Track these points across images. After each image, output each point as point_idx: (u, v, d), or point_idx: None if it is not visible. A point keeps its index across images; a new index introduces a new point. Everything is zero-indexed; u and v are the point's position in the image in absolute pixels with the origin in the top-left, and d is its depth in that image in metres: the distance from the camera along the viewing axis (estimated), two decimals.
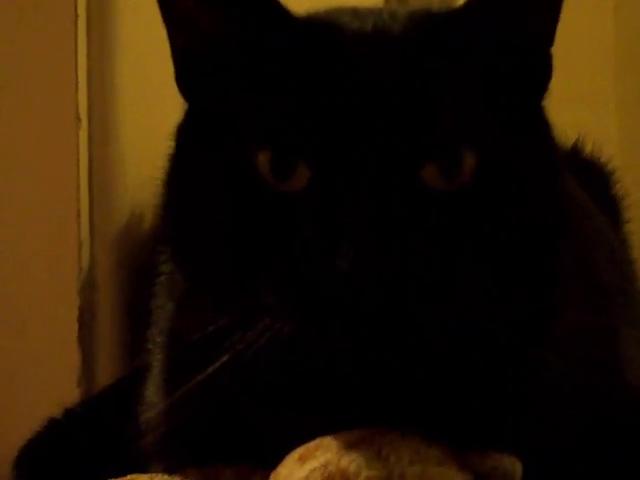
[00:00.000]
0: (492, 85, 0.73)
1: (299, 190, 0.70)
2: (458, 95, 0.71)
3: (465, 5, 0.74)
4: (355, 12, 0.76)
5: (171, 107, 0.82)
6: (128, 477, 0.85)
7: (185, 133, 0.78)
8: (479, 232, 0.70)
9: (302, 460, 0.70)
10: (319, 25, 0.74)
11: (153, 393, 0.85)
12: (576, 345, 0.77)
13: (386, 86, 0.70)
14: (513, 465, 0.72)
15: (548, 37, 0.76)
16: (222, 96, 0.75)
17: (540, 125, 0.77)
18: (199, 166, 0.75)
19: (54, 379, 1.14)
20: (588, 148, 1.31)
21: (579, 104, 1.57)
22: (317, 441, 0.72)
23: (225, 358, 0.71)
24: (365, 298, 0.66)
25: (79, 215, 1.18)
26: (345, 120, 0.69)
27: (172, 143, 0.79)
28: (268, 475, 0.73)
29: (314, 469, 0.68)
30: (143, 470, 0.85)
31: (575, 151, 1.29)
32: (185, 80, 0.78)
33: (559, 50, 0.77)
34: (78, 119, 1.15)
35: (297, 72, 0.71)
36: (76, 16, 1.13)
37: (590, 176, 1.23)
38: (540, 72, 0.76)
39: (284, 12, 0.74)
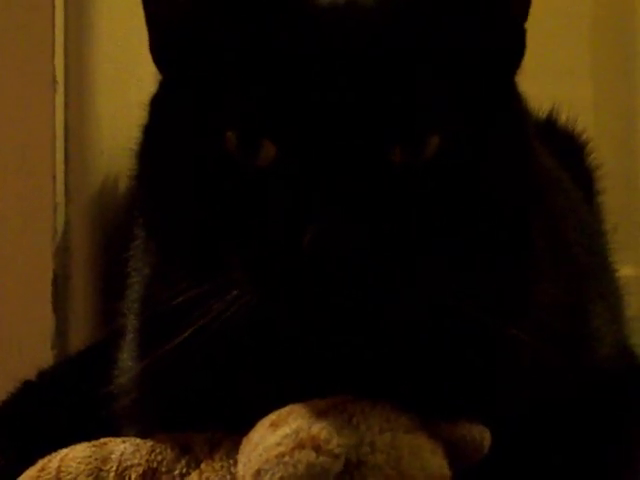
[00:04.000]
0: (464, 61, 0.73)
1: (266, 166, 0.71)
2: (426, 76, 0.71)
3: None
4: None
5: (148, 72, 0.82)
6: (101, 440, 0.86)
7: (158, 105, 0.78)
8: (443, 207, 0.71)
9: (274, 426, 0.71)
10: (289, 3, 0.73)
11: (127, 358, 0.86)
12: (547, 319, 0.78)
13: (353, 68, 0.70)
14: (482, 434, 0.73)
15: (521, 13, 0.76)
16: (192, 70, 0.75)
17: (512, 100, 0.77)
18: (171, 138, 0.75)
19: (28, 342, 1.14)
20: (563, 118, 1.31)
21: (554, 74, 1.58)
22: (289, 408, 0.72)
23: (192, 328, 0.72)
24: (327, 275, 0.67)
25: (54, 178, 1.17)
26: (310, 102, 0.69)
27: (145, 114, 0.79)
28: (239, 441, 0.74)
29: (285, 435, 0.69)
30: (116, 434, 0.86)
31: (550, 121, 1.29)
32: (158, 51, 0.78)
33: (535, 20, 0.77)
34: (55, 82, 1.15)
35: (264, 51, 0.71)
36: None
37: (564, 146, 1.23)
38: (513, 48, 0.76)
39: None
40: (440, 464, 0.72)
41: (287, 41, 0.71)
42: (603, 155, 1.32)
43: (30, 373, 1.01)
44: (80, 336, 1.16)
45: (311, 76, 0.69)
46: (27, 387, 0.99)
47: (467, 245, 0.71)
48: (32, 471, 0.87)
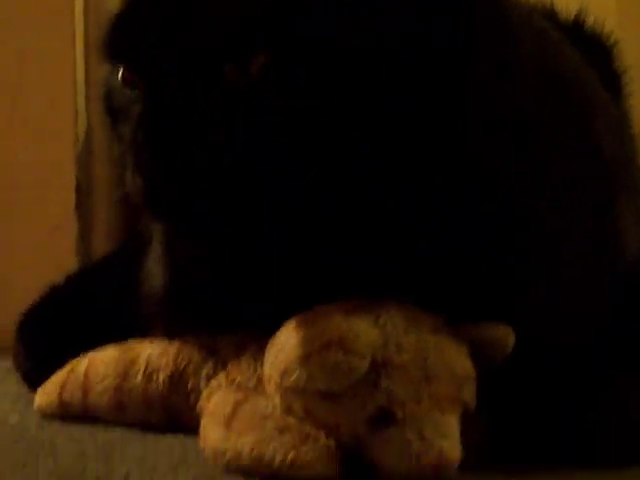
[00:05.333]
0: None
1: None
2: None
3: None
4: None
5: None
6: (128, 343, 0.86)
7: None
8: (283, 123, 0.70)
9: (300, 327, 0.71)
10: None
11: (154, 262, 0.86)
12: (570, 219, 0.77)
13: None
14: (507, 335, 0.73)
15: None
16: None
17: None
18: None
19: (53, 248, 1.15)
20: (589, 22, 1.29)
21: None
22: (315, 309, 0.72)
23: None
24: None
25: (75, 85, 1.17)
26: (151, 29, 0.72)
27: None
28: (265, 343, 0.74)
29: (312, 335, 0.69)
30: (143, 336, 0.86)
31: (577, 24, 1.27)
32: None
33: None
34: None
35: None
36: None
37: (592, 50, 1.20)
38: None
39: None
40: (465, 364, 0.72)
41: None
42: (627, 59, 1.30)
43: (55, 279, 1.02)
44: (104, 242, 1.17)
45: (150, 19, 0.73)
46: (54, 291, 0.99)
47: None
48: (60, 374, 0.88)
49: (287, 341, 0.71)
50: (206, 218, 0.71)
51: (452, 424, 0.69)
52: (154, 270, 0.86)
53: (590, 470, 0.72)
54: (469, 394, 0.71)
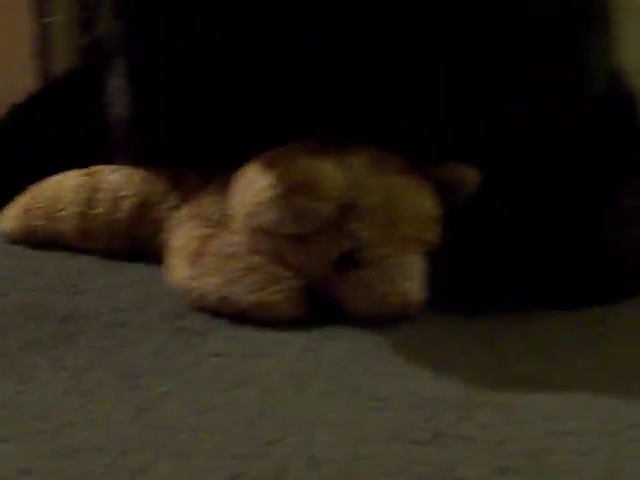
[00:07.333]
0: None
1: None
2: None
3: None
4: None
5: None
6: (92, 169, 0.85)
7: None
8: None
9: (266, 167, 0.70)
10: None
11: (120, 87, 0.83)
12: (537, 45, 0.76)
13: None
14: (472, 175, 0.73)
15: None
16: None
17: None
18: None
19: (10, 56, 1.12)
20: None
21: None
22: (282, 148, 0.72)
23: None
24: None
25: None
26: None
27: None
28: (229, 178, 0.74)
29: (279, 177, 0.68)
30: (108, 162, 0.85)
31: None
32: None
33: None
34: None
35: None
36: None
37: None
38: None
39: None
40: (430, 205, 0.72)
41: None
42: None
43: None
44: (64, 58, 1.14)
45: None
46: (17, 110, 0.96)
47: None
48: (24, 198, 0.87)
49: (253, 181, 0.70)
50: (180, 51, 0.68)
51: (416, 265, 0.70)
52: (120, 96, 0.84)
53: (559, 313, 0.72)
54: (433, 235, 0.72)
